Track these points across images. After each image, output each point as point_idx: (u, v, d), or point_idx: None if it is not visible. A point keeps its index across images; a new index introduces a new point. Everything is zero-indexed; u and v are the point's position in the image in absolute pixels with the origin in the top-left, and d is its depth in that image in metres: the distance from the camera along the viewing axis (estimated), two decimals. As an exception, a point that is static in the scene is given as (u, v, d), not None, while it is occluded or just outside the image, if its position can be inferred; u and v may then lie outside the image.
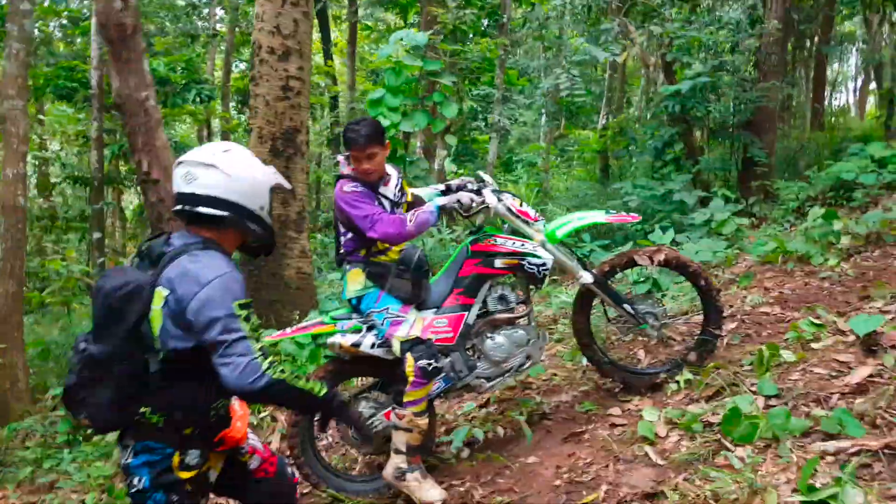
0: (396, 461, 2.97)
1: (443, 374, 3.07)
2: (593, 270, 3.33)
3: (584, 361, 3.71)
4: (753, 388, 2.92)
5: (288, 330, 3.32)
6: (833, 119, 17.90)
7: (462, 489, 3.00)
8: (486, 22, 12.36)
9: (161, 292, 1.80)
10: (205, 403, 1.94)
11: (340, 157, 3.14)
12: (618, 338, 4.17)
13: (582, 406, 3.42)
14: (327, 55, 16.49)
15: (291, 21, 5.44)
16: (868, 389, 2.62)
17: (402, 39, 5.57)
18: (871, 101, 23.38)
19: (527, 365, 3.29)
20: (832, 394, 2.68)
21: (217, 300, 1.76)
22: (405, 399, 2.94)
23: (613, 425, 3.10)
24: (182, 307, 1.78)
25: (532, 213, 3.26)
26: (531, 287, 3.31)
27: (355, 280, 3.07)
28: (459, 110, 6.23)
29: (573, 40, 10.03)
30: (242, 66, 20.03)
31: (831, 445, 2.29)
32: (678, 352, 3.73)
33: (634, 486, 2.56)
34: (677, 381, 3.28)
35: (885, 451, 2.16)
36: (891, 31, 18.04)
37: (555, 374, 3.99)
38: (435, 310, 3.14)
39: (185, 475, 1.90)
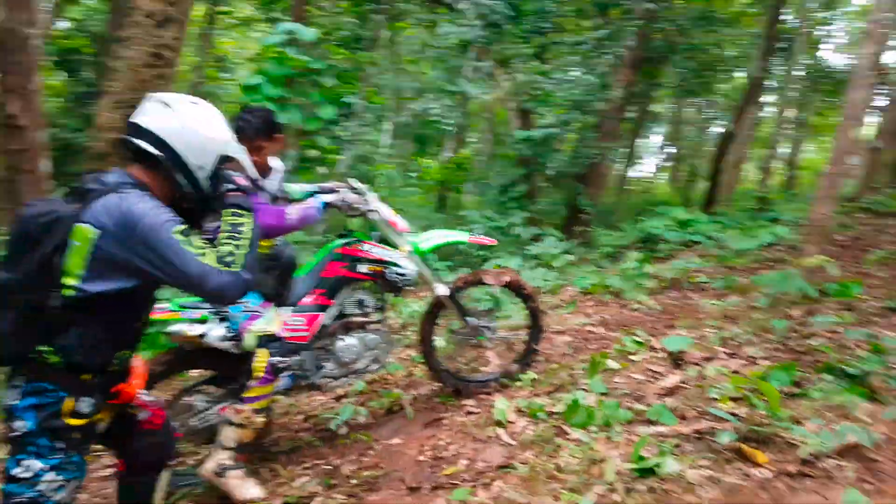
0: (221, 457, 2.85)
1: (290, 373, 3.05)
2: (449, 285, 3.60)
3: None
4: (586, 387, 3.43)
5: None
6: (637, 184, 20.70)
7: (328, 467, 3.13)
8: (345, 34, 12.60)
9: (87, 231, 1.72)
10: (108, 351, 1.89)
11: None
12: (457, 348, 4.52)
13: (440, 398, 3.72)
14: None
15: (178, -11, 5.23)
16: (676, 392, 3.25)
17: (291, 32, 5.59)
18: (664, 175, 27.38)
19: (373, 368, 3.39)
20: (648, 393, 3.27)
21: (155, 234, 1.72)
22: (247, 394, 2.86)
23: (469, 413, 3.44)
24: (119, 246, 1.73)
25: (402, 223, 3.37)
26: (389, 294, 3.43)
27: None
28: (333, 114, 6.35)
29: (431, 72, 10.61)
30: (65, 24, 18.13)
31: (653, 430, 2.83)
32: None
33: (489, 460, 2.90)
34: (520, 379, 3.71)
35: (693, 435, 2.74)
36: (695, 115, 21.36)
37: (412, 372, 4.26)
38: (293, 307, 3.13)
39: (74, 422, 1.84)
